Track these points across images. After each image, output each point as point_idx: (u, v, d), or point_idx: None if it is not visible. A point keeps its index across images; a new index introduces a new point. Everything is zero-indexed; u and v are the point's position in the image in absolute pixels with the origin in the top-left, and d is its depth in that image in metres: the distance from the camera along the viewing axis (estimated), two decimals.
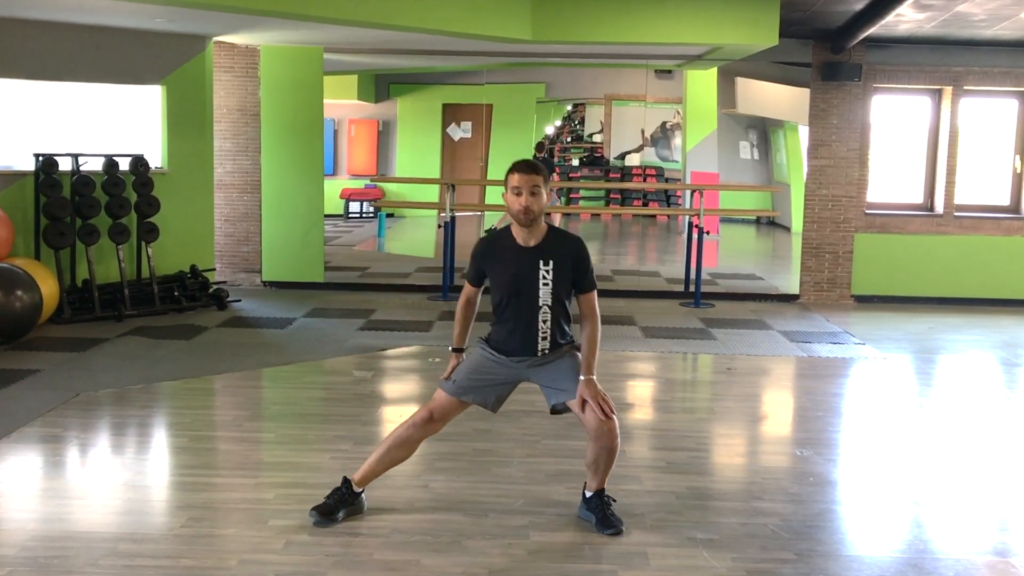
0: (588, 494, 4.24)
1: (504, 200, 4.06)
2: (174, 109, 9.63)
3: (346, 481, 4.24)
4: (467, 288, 4.27)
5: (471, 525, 4.21)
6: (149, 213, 9.17)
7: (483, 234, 15.96)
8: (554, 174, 15.83)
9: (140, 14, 8.23)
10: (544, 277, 4.05)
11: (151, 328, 8.42)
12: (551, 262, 4.06)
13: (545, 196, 4.02)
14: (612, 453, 4.13)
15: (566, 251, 4.10)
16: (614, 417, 4.06)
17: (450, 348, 4.29)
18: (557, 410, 4.20)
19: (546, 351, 4.13)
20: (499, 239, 4.17)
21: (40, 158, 8.58)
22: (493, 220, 16.43)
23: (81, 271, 8.90)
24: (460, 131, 18.34)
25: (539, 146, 15.59)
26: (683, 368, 7.88)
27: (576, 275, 4.11)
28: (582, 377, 4.08)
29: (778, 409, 6.82)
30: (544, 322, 4.09)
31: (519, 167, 4.03)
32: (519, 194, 3.98)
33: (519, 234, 4.09)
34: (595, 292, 4.19)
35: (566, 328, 4.18)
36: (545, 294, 4.06)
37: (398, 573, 3.74)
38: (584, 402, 4.03)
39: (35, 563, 3.76)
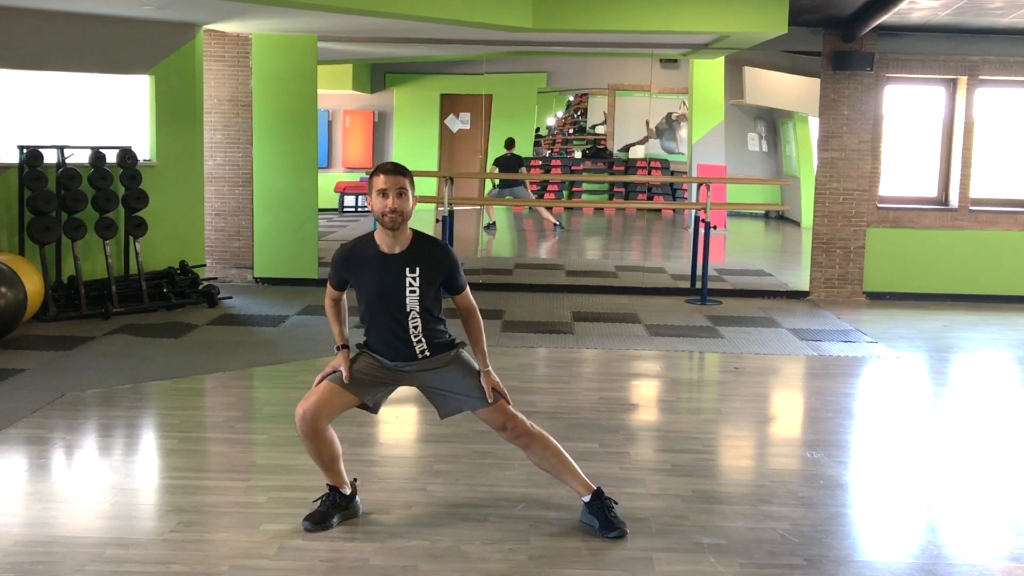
0: (586, 499, 4.24)
1: (369, 204, 4.07)
2: (163, 100, 9.63)
3: (331, 487, 4.25)
4: (330, 291, 4.27)
5: (470, 529, 4.21)
6: (137, 207, 9.17)
7: (483, 228, 15.94)
8: (522, 169, 15.89)
9: (127, 1, 8.22)
10: (411, 284, 4.05)
11: (139, 326, 8.42)
12: (417, 269, 4.06)
13: (411, 200, 4.03)
14: (547, 446, 4.21)
15: (433, 257, 4.10)
16: (515, 414, 4.14)
17: (335, 347, 4.24)
18: (448, 415, 4.27)
19: (426, 352, 4.14)
20: (361, 247, 4.14)
21: (24, 150, 8.57)
22: (494, 216, 16.46)
23: (67, 267, 8.89)
24: (459, 122, 18.34)
25: (509, 142, 15.65)
26: (689, 367, 7.87)
27: (445, 280, 4.13)
28: (482, 370, 4.14)
29: (787, 410, 6.82)
30: (415, 327, 4.10)
31: (384, 168, 4.05)
32: (385, 196, 3.98)
33: (383, 241, 4.07)
34: (468, 289, 4.22)
35: (439, 327, 4.18)
36: (412, 301, 4.07)
37: None
38: (492, 397, 4.11)
39: (19, 569, 3.75)
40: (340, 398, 4.12)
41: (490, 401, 4.12)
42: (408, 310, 4.07)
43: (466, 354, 4.22)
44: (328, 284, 4.28)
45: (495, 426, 4.20)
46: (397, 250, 4.07)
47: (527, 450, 4.25)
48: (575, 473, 4.26)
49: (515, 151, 15.76)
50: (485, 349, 4.19)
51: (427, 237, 4.18)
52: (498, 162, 15.55)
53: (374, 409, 4.26)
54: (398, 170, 4.05)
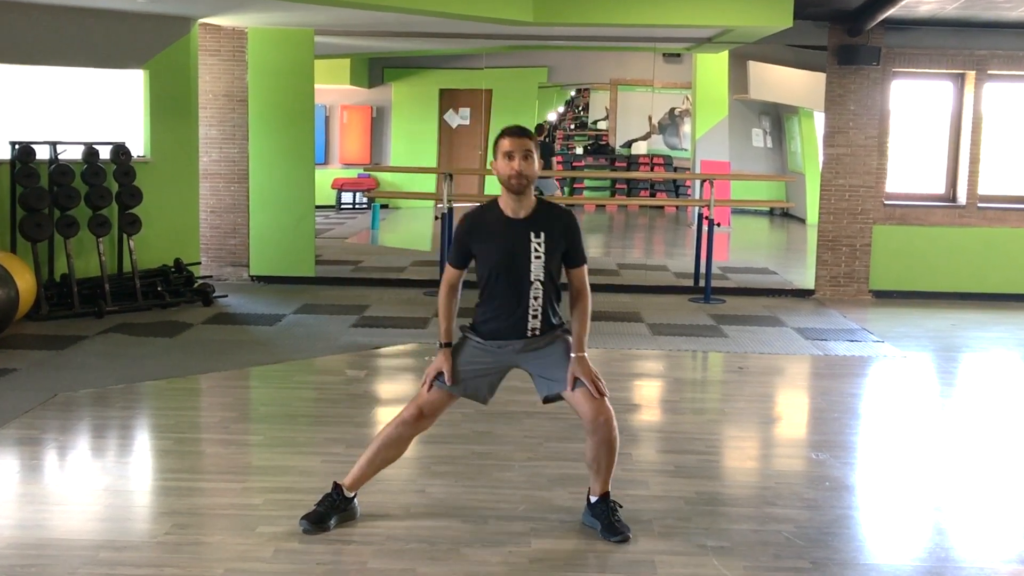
0: (593, 499, 4.23)
1: (494, 168, 4.06)
2: (157, 95, 9.62)
3: (336, 486, 4.24)
4: (449, 272, 4.21)
5: (470, 532, 4.21)
6: (131, 204, 9.16)
7: None
8: (555, 159, 15.79)
9: None
10: (536, 250, 4.05)
11: (133, 325, 8.42)
12: (543, 235, 4.06)
13: (537, 163, 4.03)
14: (611, 447, 4.12)
15: (558, 223, 4.10)
16: (609, 406, 4.06)
17: (439, 344, 4.23)
18: (549, 399, 4.22)
19: (536, 331, 4.12)
20: (486, 213, 4.15)
21: (16, 146, 8.57)
22: None
23: (59, 265, 8.89)
24: (458, 118, 18.32)
25: (539, 129, 15.58)
26: (692, 367, 7.87)
27: (568, 248, 4.12)
28: (573, 355, 4.08)
29: (792, 410, 6.81)
30: (535, 299, 4.08)
31: (510, 131, 4.05)
32: (511, 158, 3.99)
33: (508, 206, 4.08)
34: (586, 266, 4.20)
35: (556, 306, 4.17)
36: (537, 268, 4.05)
37: None
38: (575, 382, 4.04)
39: (11, 572, 3.75)
40: (450, 399, 4.20)
41: (568, 388, 4.06)
42: (532, 279, 4.05)
43: (569, 336, 4.17)
44: (447, 265, 4.22)
45: (585, 415, 4.06)
46: (522, 215, 4.07)
47: (596, 444, 4.08)
48: (608, 475, 4.20)
49: (546, 137, 15.48)
50: (585, 334, 4.12)
51: (551, 204, 4.19)
52: None
53: (484, 401, 4.27)
54: (524, 132, 4.04)
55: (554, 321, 4.17)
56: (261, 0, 8.29)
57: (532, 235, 4.05)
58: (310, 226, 10.87)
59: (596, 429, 4.05)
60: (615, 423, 4.10)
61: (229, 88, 10.62)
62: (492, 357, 4.17)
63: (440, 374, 4.15)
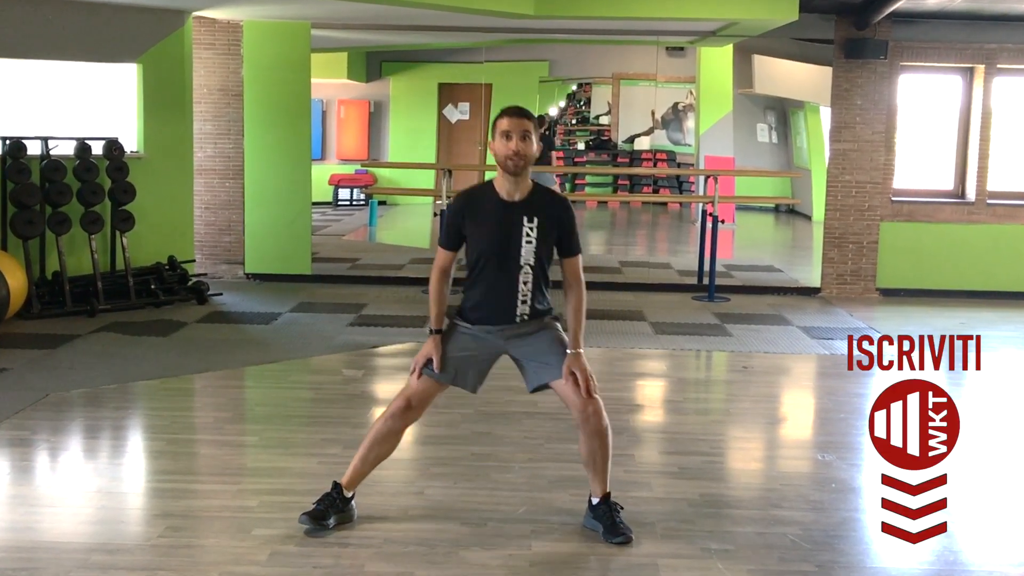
0: (595, 501, 4.23)
1: (491, 148, 4.06)
2: (151, 89, 9.61)
3: (336, 485, 4.25)
4: (441, 255, 4.20)
5: (469, 534, 4.21)
6: (124, 200, 9.16)
7: None
8: (554, 154, 15.76)
9: None
10: (528, 235, 4.05)
11: (126, 324, 8.41)
12: (536, 219, 4.06)
13: (535, 145, 4.04)
14: (603, 438, 4.14)
15: (552, 209, 4.11)
16: (597, 396, 4.09)
17: (429, 330, 4.22)
18: (538, 389, 4.23)
19: (525, 316, 4.12)
20: (480, 193, 4.16)
21: (7, 141, 8.56)
22: None
23: (51, 263, 8.89)
24: (457, 113, 18.32)
25: (539, 121, 15.53)
26: (696, 367, 7.87)
27: (561, 236, 4.12)
28: (569, 351, 4.09)
29: (798, 410, 6.81)
30: (524, 283, 4.08)
31: (508, 111, 4.06)
32: (509, 138, 4.00)
33: (503, 187, 4.09)
34: (580, 257, 4.19)
35: (546, 292, 4.17)
36: (527, 253, 4.06)
37: None
38: (571, 376, 4.05)
39: (2, 575, 3.75)
40: (438, 388, 4.20)
41: (563, 379, 4.07)
42: (522, 263, 4.06)
43: (559, 325, 4.19)
44: (439, 248, 4.21)
45: (574, 406, 4.10)
46: (517, 197, 4.08)
47: (587, 437, 4.12)
48: (605, 474, 4.21)
49: (547, 130, 15.52)
50: (581, 329, 4.13)
51: (547, 189, 4.20)
52: None
53: (473, 389, 4.26)
54: (522, 113, 4.06)
55: (540, 307, 4.16)
56: None
57: (525, 219, 4.05)
58: (306, 223, 10.87)
59: (587, 419, 4.09)
60: (605, 415, 4.12)
61: (224, 82, 10.61)
62: (480, 343, 4.17)
63: (429, 361, 4.15)
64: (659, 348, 8.04)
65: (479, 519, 4.37)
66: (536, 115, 3.73)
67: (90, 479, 4.97)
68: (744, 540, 4.23)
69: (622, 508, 4.25)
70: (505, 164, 4.02)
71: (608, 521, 4.17)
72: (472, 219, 4.11)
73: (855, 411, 6.50)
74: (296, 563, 3.90)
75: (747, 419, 6.26)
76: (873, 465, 5.47)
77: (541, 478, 4.91)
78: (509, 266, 4.07)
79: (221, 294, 9.74)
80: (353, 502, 4.30)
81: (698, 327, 8.82)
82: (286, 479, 4.85)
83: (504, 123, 4.02)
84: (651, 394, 6.99)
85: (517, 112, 4.06)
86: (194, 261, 10.08)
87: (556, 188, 16.04)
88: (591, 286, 11.31)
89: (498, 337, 4.15)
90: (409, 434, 5.83)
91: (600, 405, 4.11)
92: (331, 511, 4.20)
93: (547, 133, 15.61)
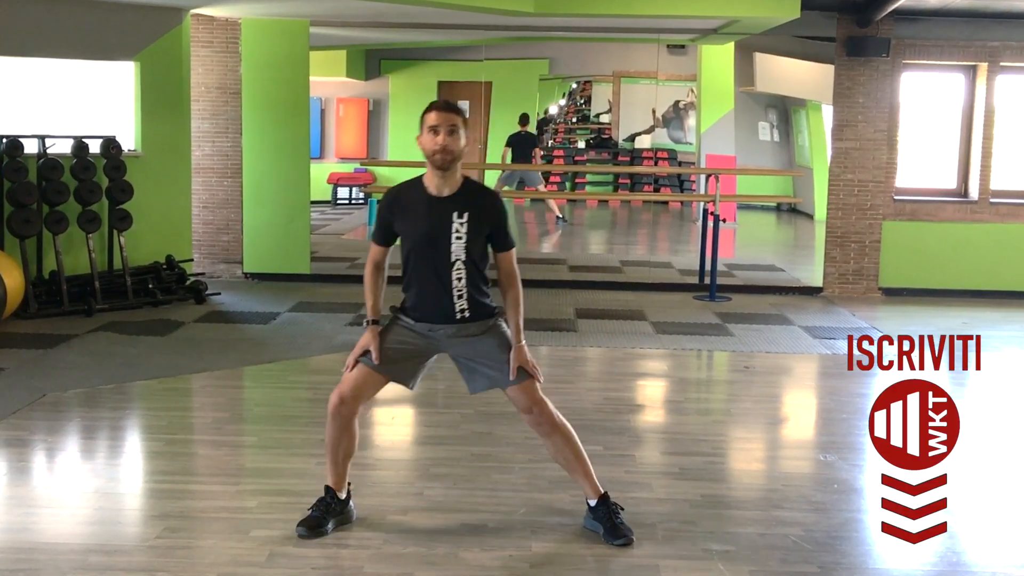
0: (592, 503, 4.23)
1: (419, 143, 4.05)
2: (148, 87, 9.61)
3: (328, 489, 4.24)
4: (373, 250, 4.23)
5: (469, 536, 4.21)
6: (121, 199, 9.16)
7: None
8: (536, 150, 15.79)
9: None
10: (458, 230, 4.03)
11: (124, 323, 8.41)
12: (466, 214, 4.05)
13: (464, 139, 4.02)
14: (566, 438, 4.18)
15: (482, 204, 4.10)
16: (542, 396, 4.12)
17: (365, 322, 4.21)
18: (478, 391, 4.25)
19: (466, 314, 4.11)
20: (409, 189, 4.15)
21: (4, 140, 8.56)
22: None
23: (48, 262, 8.88)
24: None
25: (523, 118, 15.53)
26: (697, 367, 7.87)
27: (493, 230, 4.11)
28: (513, 345, 4.10)
29: (800, 411, 6.81)
30: (458, 279, 4.07)
31: (437, 105, 4.06)
32: (436, 132, 3.98)
33: (432, 182, 4.08)
34: (514, 251, 4.18)
35: (483, 287, 4.15)
36: (458, 248, 4.04)
37: None
38: (518, 372, 4.07)
39: None
40: (374, 379, 4.15)
41: (512, 379, 4.08)
42: (453, 259, 4.04)
43: (505, 325, 4.18)
44: (372, 243, 4.24)
45: (521, 407, 4.15)
46: (446, 192, 4.07)
47: (547, 439, 4.20)
48: (589, 474, 4.24)
49: (529, 128, 15.59)
50: (521, 322, 4.15)
51: (478, 184, 4.19)
52: (511, 141, 15.38)
53: (410, 385, 4.25)
54: (451, 107, 4.05)
55: (484, 301, 4.15)
56: None
57: (455, 215, 4.04)
58: (305, 222, 10.86)
59: (538, 423, 4.15)
60: (555, 414, 4.15)
61: (222, 80, 10.61)
62: (421, 340, 4.16)
63: (366, 352, 4.13)
64: (660, 348, 8.04)
65: (479, 520, 4.37)
66: (520, 113, 3.75)
67: (87, 480, 4.97)
68: (746, 541, 4.23)
69: (622, 509, 4.25)
70: (433, 159, 4.01)
71: (608, 522, 4.17)
72: (401, 216, 4.11)
73: (857, 411, 6.50)
74: (295, 564, 3.90)
75: (749, 419, 6.26)
76: (875, 466, 5.47)
77: (541, 479, 4.91)
78: (441, 263, 4.06)
79: (219, 293, 9.74)
80: (352, 503, 4.31)
81: (699, 327, 8.82)
82: (285, 480, 4.85)
83: (432, 117, 4.01)
84: (652, 394, 6.99)
85: (445, 107, 4.05)
86: (192, 260, 10.08)
87: (542, 187, 16.08)
88: (592, 285, 11.34)
89: (441, 335, 4.14)
90: (408, 434, 5.85)
91: (547, 406, 4.14)
92: (328, 515, 4.20)
93: (530, 131, 15.62)
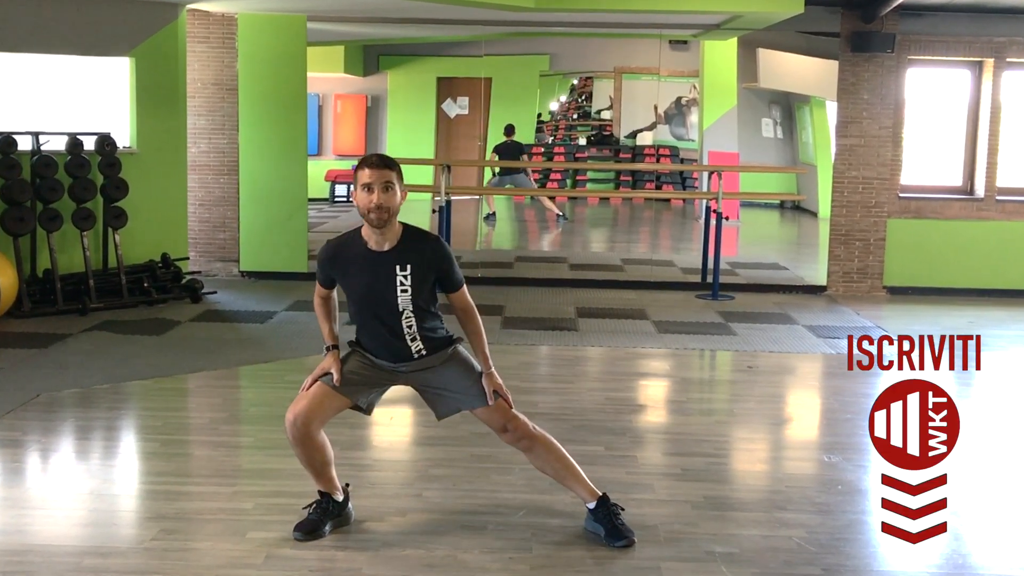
0: (591, 505, 4.24)
1: (354, 199, 4.00)
2: (144, 83, 9.61)
3: (323, 493, 4.24)
4: (319, 289, 4.24)
5: (468, 537, 4.21)
6: (116, 197, 9.16)
7: (482, 218, 15.92)
8: (526, 156, 15.92)
9: None
10: (403, 284, 4.00)
11: (119, 322, 8.42)
12: (408, 267, 4.01)
13: (400, 194, 3.97)
14: (547, 446, 4.20)
15: (424, 253, 4.04)
16: (515, 413, 4.13)
17: (324, 348, 4.20)
18: (447, 415, 4.25)
19: (423, 352, 4.10)
20: (347, 245, 4.10)
21: None
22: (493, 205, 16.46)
23: (42, 260, 8.89)
24: (456, 107, 18.30)
25: (509, 129, 15.64)
26: (700, 366, 7.87)
27: (440, 277, 4.09)
28: (484, 372, 4.12)
29: (803, 411, 6.81)
30: (408, 326, 4.06)
31: (369, 161, 3.98)
32: (370, 191, 3.91)
33: (371, 238, 4.03)
34: (464, 288, 4.16)
35: (436, 323, 4.14)
36: (404, 300, 4.02)
37: None
38: (493, 399, 4.09)
39: None
40: (332, 401, 4.10)
41: (490, 403, 4.10)
42: (401, 310, 4.03)
43: (463, 350, 4.20)
44: (316, 282, 4.25)
45: (495, 427, 4.19)
46: (386, 247, 4.02)
47: (528, 453, 4.24)
48: (579, 478, 4.25)
49: (516, 138, 15.73)
50: (486, 350, 4.16)
51: (418, 231, 4.12)
52: (498, 149, 15.51)
53: (367, 410, 4.24)
54: (384, 163, 3.97)
55: (439, 335, 4.14)
56: None
57: (398, 268, 4.00)
58: (303, 220, 10.86)
59: (516, 439, 4.17)
60: (529, 425, 4.16)
61: (218, 76, 10.61)
62: (384, 373, 4.16)
63: (327, 374, 4.11)
64: (662, 347, 8.04)
65: (478, 522, 4.37)
66: (506, 124, 3.70)
67: (82, 481, 4.97)
68: (749, 543, 4.23)
69: (623, 510, 4.25)
70: (368, 218, 3.94)
71: (609, 524, 4.17)
72: (343, 273, 4.10)
73: (861, 412, 6.49)
74: (292, 566, 3.91)
75: (752, 420, 6.26)
76: (880, 466, 5.47)
77: (541, 480, 4.90)
78: (388, 315, 4.04)
79: (215, 292, 9.74)
80: (350, 504, 4.31)
81: (702, 326, 8.82)
82: (282, 481, 4.84)
83: (365, 175, 3.93)
84: (654, 394, 6.99)
85: (378, 163, 3.96)
86: (188, 259, 10.08)
87: (533, 184, 16.11)
88: (593, 283, 11.34)
89: (403, 370, 4.14)
90: (407, 435, 5.85)
91: (520, 420, 4.15)
92: (325, 518, 4.20)
93: (516, 140, 15.70)
